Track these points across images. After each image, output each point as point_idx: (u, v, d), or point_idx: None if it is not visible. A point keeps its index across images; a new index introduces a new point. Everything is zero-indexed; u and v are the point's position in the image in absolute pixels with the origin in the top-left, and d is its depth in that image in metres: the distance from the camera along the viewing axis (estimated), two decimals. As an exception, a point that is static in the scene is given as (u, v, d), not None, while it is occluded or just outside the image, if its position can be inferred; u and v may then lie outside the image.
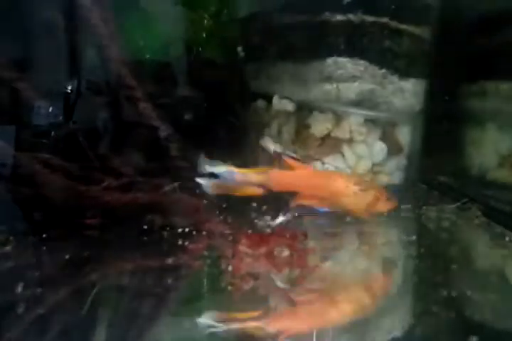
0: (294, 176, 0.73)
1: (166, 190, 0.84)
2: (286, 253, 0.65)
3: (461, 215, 0.83)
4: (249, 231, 0.74)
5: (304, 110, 0.87)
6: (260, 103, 1.00)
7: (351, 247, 0.75)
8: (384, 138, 0.88)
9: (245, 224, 0.76)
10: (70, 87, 0.88)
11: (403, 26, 0.83)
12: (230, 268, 0.62)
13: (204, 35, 1.36)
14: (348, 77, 0.82)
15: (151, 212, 0.80)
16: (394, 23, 0.81)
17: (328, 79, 0.82)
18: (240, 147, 0.97)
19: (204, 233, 0.73)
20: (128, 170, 0.87)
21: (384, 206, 0.74)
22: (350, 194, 0.72)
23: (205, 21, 1.36)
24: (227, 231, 0.73)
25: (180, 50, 1.32)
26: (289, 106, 0.90)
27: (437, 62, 0.93)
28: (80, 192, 0.81)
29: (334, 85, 0.82)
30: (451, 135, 1.03)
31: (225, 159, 0.76)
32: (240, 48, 0.98)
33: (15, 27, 0.88)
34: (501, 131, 0.96)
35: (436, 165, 1.00)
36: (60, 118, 0.89)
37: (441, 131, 1.02)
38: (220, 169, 0.74)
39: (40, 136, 0.85)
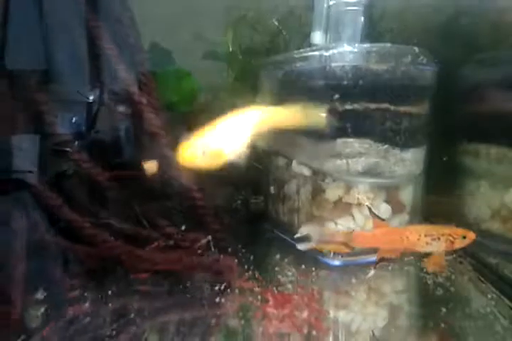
0: (373, 235, 0.89)
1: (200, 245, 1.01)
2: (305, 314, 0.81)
3: (456, 268, 0.98)
4: (275, 289, 0.89)
5: (319, 176, 1.02)
6: (281, 161, 1.16)
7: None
8: (388, 200, 1.03)
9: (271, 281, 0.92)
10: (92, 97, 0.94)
11: (401, 108, 0.97)
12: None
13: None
14: (356, 153, 0.97)
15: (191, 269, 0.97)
16: (393, 107, 0.96)
17: (339, 155, 0.97)
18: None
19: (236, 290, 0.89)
20: (171, 230, 1.04)
21: (462, 243, 0.88)
22: (423, 245, 0.87)
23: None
24: (256, 289, 0.89)
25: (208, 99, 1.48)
26: (306, 172, 1.05)
27: (435, 127, 1.07)
28: (131, 252, 0.97)
29: (344, 161, 0.98)
30: (451, 188, 1.17)
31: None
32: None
33: (39, 38, 0.94)
34: (493, 188, 1.10)
35: (437, 215, 1.14)
36: (83, 127, 0.96)
37: (441, 186, 1.16)
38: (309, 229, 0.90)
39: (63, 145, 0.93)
